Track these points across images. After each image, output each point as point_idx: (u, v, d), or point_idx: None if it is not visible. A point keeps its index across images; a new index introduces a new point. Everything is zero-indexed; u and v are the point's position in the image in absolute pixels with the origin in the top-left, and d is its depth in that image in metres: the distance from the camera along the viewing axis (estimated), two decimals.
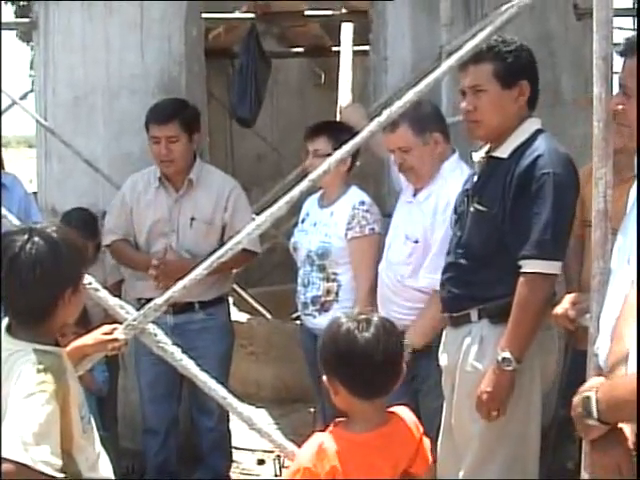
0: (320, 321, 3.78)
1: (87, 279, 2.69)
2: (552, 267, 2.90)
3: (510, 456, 2.98)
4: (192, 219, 4.12)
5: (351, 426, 2.28)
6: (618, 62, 2.25)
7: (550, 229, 2.84)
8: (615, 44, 2.30)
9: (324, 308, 3.86)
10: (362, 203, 3.85)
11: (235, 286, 5.91)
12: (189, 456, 4.41)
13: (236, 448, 4.56)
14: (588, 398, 1.97)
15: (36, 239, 2.23)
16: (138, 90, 4.62)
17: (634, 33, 2.43)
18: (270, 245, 6.34)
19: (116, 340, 2.70)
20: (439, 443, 3.18)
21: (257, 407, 5.31)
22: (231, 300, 4.73)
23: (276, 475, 4.39)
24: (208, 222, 4.13)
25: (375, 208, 3.90)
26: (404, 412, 2.38)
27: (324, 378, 2.31)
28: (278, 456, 4.41)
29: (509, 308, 2.88)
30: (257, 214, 3.26)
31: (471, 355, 3.01)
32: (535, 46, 3.19)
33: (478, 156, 3.17)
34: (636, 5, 7.35)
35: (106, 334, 2.69)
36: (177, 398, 4.28)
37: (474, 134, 3.15)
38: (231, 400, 2.92)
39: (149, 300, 3.01)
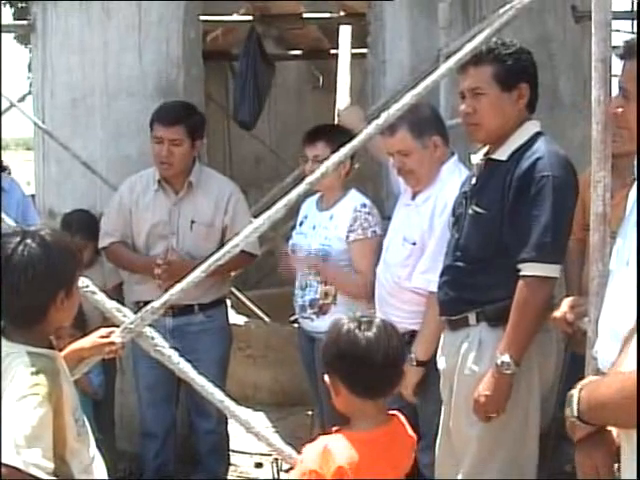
0: (318, 324, 3.78)
1: (83, 282, 2.68)
2: (551, 270, 2.89)
3: (508, 458, 2.97)
4: (192, 222, 4.11)
5: (353, 426, 2.29)
6: (617, 65, 2.24)
7: (549, 232, 2.83)
8: (614, 47, 2.30)
9: (322, 311, 3.85)
10: (364, 206, 3.84)
11: (233, 289, 5.89)
12: (187, 459, 4.41)
13: (234, 451, 4.56)
14: (572, 396, 1.94)
15: (29, 241, 2.22)
16: (136, 92, 4.62)
17: (633, 36, 2.42)
18: (268, 248, 6.33)
19: (113, 343, 2.68)
20: (437, 446, 3.19)
21: (255, 410, 5.30)
22: (229, 303, 4.72)
23: (274, 478, 4.37)
24: (208, 225, 4.12)
25: (376, 211, 3.90)
26: (400, 415, 2.40)
27: (326, 378, 2.31)
28: (276, 459, 4.39)
29: (507, 311, 2.87)
30: (255, 216, 3.24)
31: (469, 358, 3.00)
32: (533, 48, 3.19)
33: (477, 158, 3.16)
34: (635, 8, 7.35)
35: (103, 337, 2.68)
36: (175, 401, 4.28)
37: (473, 137, 3.15)
38: (228, 403, 2.91)
39: (147, 303, 3.00)
